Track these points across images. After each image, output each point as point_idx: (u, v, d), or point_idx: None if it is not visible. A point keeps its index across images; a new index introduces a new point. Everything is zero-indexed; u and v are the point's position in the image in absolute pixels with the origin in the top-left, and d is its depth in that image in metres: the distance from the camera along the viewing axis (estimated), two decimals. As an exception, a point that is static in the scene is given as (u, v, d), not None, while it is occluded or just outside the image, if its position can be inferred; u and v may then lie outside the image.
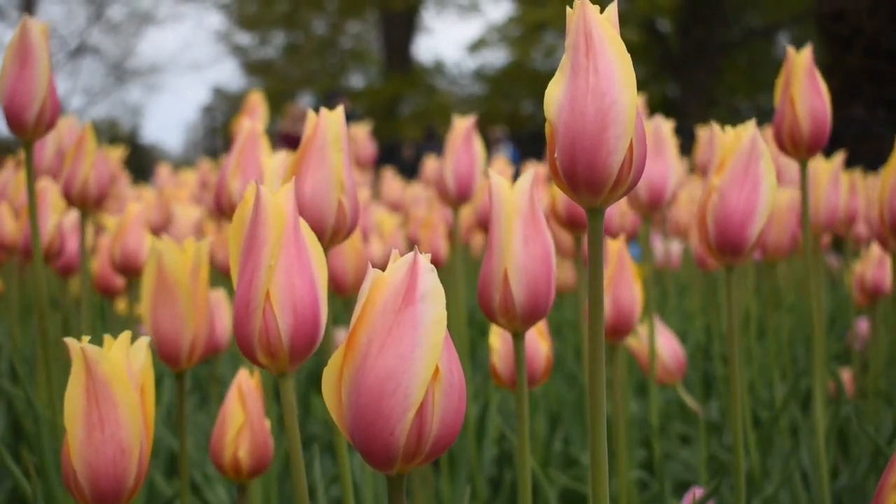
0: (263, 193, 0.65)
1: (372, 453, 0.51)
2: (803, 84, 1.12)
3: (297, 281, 0.65)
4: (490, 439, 1.73)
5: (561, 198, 1.43)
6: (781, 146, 1.14)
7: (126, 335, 0.71)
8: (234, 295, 1.75)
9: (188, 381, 1.82)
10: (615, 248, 1.19)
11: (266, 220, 0.65)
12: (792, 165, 1.87)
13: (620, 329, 1.18)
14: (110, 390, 0.68)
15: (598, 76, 0.58)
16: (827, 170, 1.52)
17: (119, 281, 1.78)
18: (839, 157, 1.56)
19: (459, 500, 1.63)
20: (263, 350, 0.65)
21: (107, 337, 0.71)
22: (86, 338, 0.69)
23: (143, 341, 0.72)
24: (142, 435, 0.70)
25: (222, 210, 1.29)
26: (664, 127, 1.49)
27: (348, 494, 0.89)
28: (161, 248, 0.93)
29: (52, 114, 1.12)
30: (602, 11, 0.59)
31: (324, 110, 0.88)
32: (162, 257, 0.93)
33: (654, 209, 1.46)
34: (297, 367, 0.66)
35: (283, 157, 1.01)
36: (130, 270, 1.58)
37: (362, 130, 3.41)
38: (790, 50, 1.13)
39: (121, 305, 2.35)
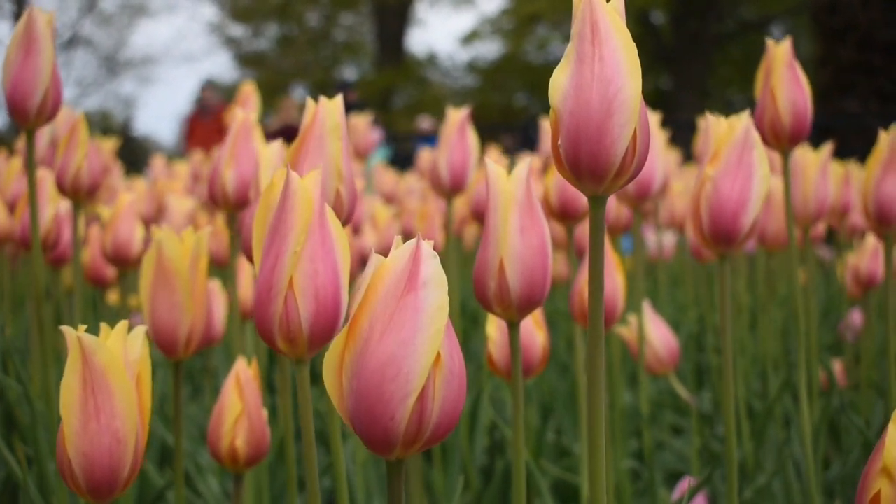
0: (293, 179, 0.65)
1: (372, 438, 0.51)
2: (783, 76, 1.12)
3: (320, 268, 0.65)
4: (482, 429, 1.73)
5: (554, 188, 1.43)
6: (763, 137, 1.14)
7: (123, 324, 0.71)
8: (227, 286, 1.74)
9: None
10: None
11: (294, 207, 0.65)
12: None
13: (605, 319, 1.18)
14: (106, 380, 0.68)
15: (604, 65, 0.59)
16: (815, 161, 1.52)
17: (110, 272, 1.78)
18: (827, 147, 1.56)
19: (451, 491, 1.63)
20: (283, 335, 0.65)
21: (103, 326, 0.71)
22: (82, 327, 0.69)
23: (140, 331, 0.72)
24: (137, 425, 0.70)
25: (216, 201, 1.28)
26: (651, 119, 1.50)
27: (342, 485, 0.89)
28: (161, 238, 0.93)
29: (53, 103, 1.12)
30: (608, 1, 0.59)
31: (323, 99, 0.88)
32: (162, 247, 0.93)
33: (641, 201, 1.47)
34: (315, 353, 0.66)
35: (278, 147, 1.01)
36: (122, 261, 1.57)
37: (362, 120, 3.40)
38: (770, 42, 1.13)
39: (112, 296, 2.35)
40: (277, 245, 0.65)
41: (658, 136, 1.51)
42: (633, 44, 0.59)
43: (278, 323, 0.65)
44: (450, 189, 1.61)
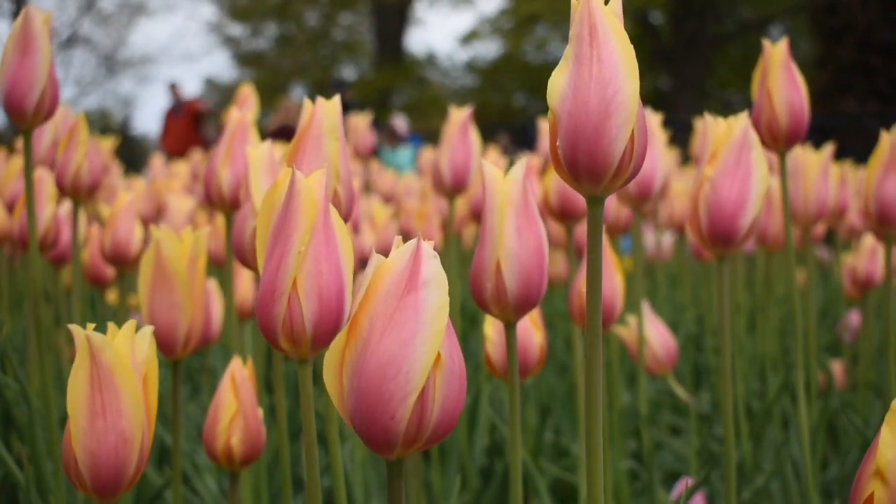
0: (298, 179, 0.65)
1: (372, 437, 0.51)
2: (780, 77, 1.12)
3: (324, 268, 0.65)
4: (481, 430, 1.73)
5: (554, 189, 1.43)
6: (760, 138, 1.14)
7: (131, 324, 0.71)
8: (225, 285, 1.74)
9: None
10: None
11: (298, 207, 0.64)
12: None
13: (603, 319, 1.18)
14: (114, 378, 0.68)
15: (602, 66, 0.59)
16: (816, 162, 1.52)
17: (109, 271, 1.78)
18: (828, 148, 1.56)
19: (450, 491, 1.63)
20: (286, 336, 0.65)
21: (110, 325, 0.71)
22: (90, 325, 0.69)
23: (148, 331, 0.72)
24: (144, 424, 0.70)
25: (212, 200, 1.28)
26: (652, 119, 1.50)
27: (339, 484, 0.89)
28: (160, 237, 0.93)
29: (51, 102, 1.12)
30: (606, 3, 0.59)
31: (320, 99, 0.88)
32: (160, 246, 0.93)
33: (642, 201, 1.47)
34: (317, 354, 0.66)
35: (268, 147, 1.01)
36: (121, 260, 1.57)
37: (362, 120, 3.39)
38: (766, 43, 1.13)
39: (111, 296, 2.35)
40: (281, 245, 0.65)
41: (659, 137, 1.51)
42: (631, 45, 0.59)
43: (282, 323, 0.65)
44: (451, 188, 1.61)
